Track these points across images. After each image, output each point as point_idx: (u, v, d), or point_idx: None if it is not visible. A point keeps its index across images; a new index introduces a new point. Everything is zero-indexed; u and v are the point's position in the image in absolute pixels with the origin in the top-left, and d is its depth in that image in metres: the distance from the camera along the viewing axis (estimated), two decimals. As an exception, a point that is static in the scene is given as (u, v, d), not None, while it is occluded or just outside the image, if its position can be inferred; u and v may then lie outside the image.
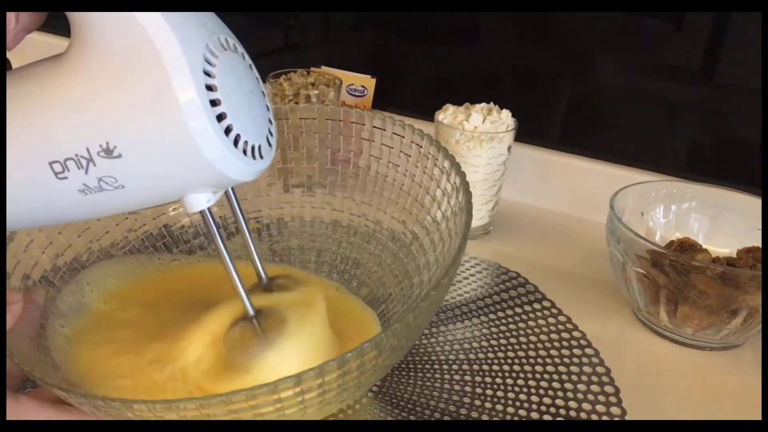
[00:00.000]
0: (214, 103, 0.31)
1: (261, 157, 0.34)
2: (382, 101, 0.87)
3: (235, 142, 0.32)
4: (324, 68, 0.87)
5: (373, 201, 0.53)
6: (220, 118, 0.31)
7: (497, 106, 0.71)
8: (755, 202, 0.61)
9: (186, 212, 0.54)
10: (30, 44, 0.32)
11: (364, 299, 0.51)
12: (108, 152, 0.31)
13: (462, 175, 0.44)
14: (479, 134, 0.67)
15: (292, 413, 0.34)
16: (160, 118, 0.30)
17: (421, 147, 0.48)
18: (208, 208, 0.36)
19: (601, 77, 0.76)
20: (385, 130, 0.51)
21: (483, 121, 0.68)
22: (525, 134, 0.75)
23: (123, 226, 0.52)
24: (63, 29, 0.30)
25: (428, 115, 0.72)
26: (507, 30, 0.79)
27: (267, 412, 0.33)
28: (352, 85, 0.87)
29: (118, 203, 0.33)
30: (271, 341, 0.39)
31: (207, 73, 0.31)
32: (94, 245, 0.50)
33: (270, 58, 0.97)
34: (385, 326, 0.48)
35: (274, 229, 0.56)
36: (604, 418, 0.49)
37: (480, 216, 0.71)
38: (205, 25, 0.32)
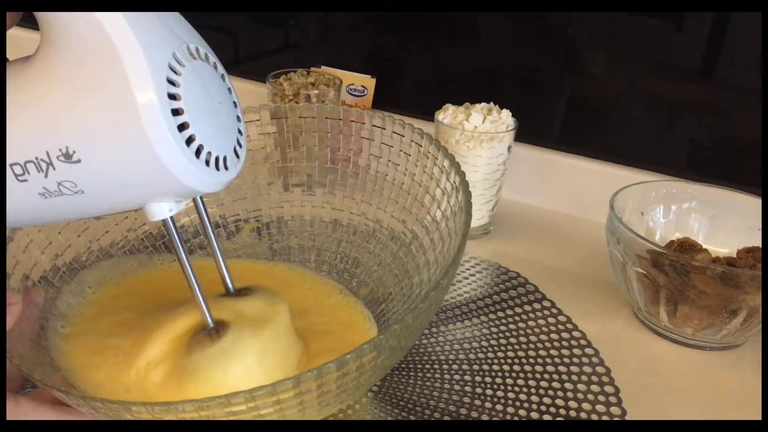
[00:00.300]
0: (176, 112, 0.30)
1: (226, 168, 0.34)
2: (382, 101, 0.87)
3: (197, 153, 0.32)
4: (324, 68, 0.87)
5: (372, 200, 0.53)
6: (182, 127, 0.31)
7: (497, 106, 0.71)
8: (755, 202, 0.61)
9: (186, 212, 0.55)
10: (28, 42, 0.32)
11: (363, 299, 0.51)
12: (67, 157, 0.30)
13: (461, 174, 0.44)
14: (479, 134, 0.67)
15: (291, 414, 0.34)
16: (120, 125, 0.30)
17: (421, 146, 0.48)
18: (171, 218, 0.35)
19: (602, 77, 0.76)
20: (384, 129, 0.51)
21: (483, 121, 0.68)
22: (525, 134, 0.75)
23: (123, 225, 0.52)
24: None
25: (428, 115, 0.72)
26: (507, 30, 0.79)
27: (266, 413, 0.33)
28: (352, 84, 0.87)
29: (78, 208, 0.33)
30: (222, 354, 0.39)
31: (171, 82, 0.30)
32: (93, 245, 0.50)
33: (270, 58, 0.97)
34: (384, 327, 0.48)
35: (274, 228, 0.56)
36: (604, 418, 0.49)
37: (480, 216, 0.71)
38: (174, 33, 0.32)
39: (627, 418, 0.49)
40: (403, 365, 0.53)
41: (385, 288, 0.51)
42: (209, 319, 0.40)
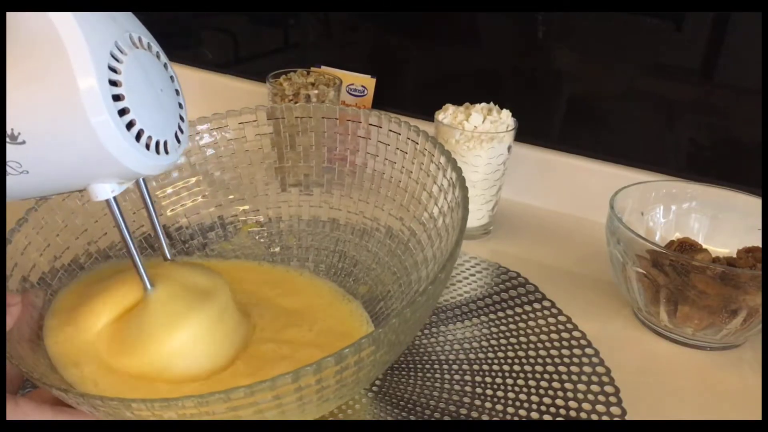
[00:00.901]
0: (117, 97, 0.32)
1: (167, 152, 0.36)
2: (382, 101, 0.87)
3: (138, 137, 0.34)
4: (324, 68, 0.87)
5: (370, 198, 0.53)
6: (123, 112, 0.33)
7: (497, 106, 0.71)
8: (755, 202, 0.61)
9: (185, 213, 0.55)
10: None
11: (362, 297, 0.51)
12: (13, 138, 0.32)
13: (458, 170, 0.44)
14: (479, 134, 0.67)
15: (291, 410, 0.34)
16: (63, 109, 0.31)
17: (417, 143, 0.48)
18: (114, 198, 0.37)
19: (601, 77, 0.76)
20: (381, 127, 0.51)
21: (483, 121, 0.67)
22: (525, 134, 0.74)
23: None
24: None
25: (428, 115, 0.72)
26: (507, 30, 0.79)
27: (266, 408, 0.33)
28: (352, 85, 0.87)
29: (23, 188, 0.35)
30: (161, 328, 0.40)
31: (112, 69, 0.32)
32: (91, 247, 0.50)
33: (270, 58, 0.97)
34: (383, 322, 0.48)
35: (272, 228, 0.56)
36: (604, 418, 0.48)
37: (480, 216, 0.71)
38: (117, 22, 0.33)
39: (627, 418, 0.49)
40: (403, 365, 0.53)
41: (383, 286, 0.51)
42: (147, 283, 0.41)
